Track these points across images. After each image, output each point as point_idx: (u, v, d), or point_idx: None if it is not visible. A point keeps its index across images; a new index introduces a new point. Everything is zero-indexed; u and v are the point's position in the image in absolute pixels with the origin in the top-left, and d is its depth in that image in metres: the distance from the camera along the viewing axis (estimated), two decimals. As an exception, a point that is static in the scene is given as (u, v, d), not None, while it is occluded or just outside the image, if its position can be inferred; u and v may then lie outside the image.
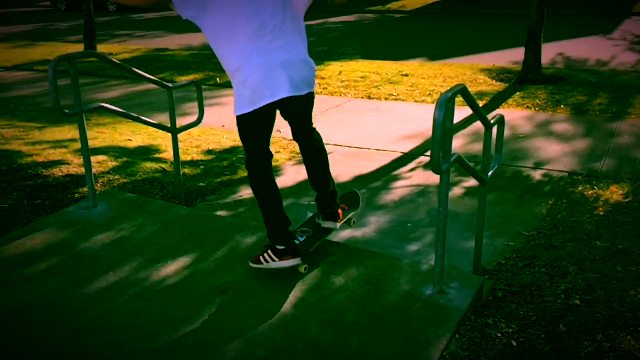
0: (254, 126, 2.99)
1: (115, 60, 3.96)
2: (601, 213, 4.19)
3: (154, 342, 2.62)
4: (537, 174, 5.10)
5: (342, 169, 5.30)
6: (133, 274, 3.18)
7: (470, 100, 2.79)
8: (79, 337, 2.66)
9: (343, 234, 4.00)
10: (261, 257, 3.08)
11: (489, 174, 3.25)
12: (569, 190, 4.68)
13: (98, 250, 3.46)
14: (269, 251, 3.06)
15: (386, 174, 5.23)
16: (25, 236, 3.66)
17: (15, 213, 4.27)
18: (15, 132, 6.57)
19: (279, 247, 3.04)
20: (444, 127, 2.42)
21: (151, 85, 8.15)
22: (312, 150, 3.29)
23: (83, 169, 5.00)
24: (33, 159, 5.46)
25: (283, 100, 2.91)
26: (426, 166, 5.37)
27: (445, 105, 2.41)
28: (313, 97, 3.12)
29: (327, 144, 6.09)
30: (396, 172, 5.27)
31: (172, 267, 3.24)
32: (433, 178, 5.00)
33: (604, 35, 13.60)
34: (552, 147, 5.79)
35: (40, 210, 4.30)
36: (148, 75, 3.97)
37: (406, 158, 5.65)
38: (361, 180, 5.07)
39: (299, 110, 3.12)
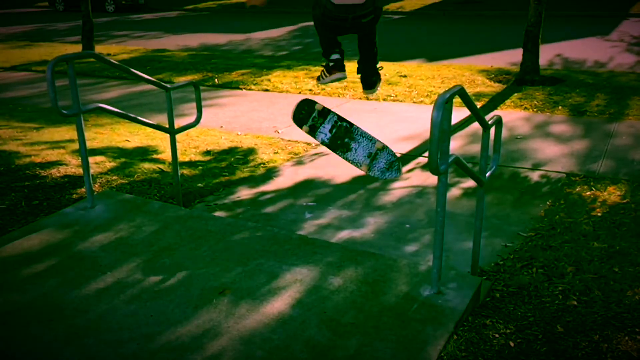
0: None
1: (114, 61, 3.96)
2: (599, 214, 4.20)
3: (152, 342, 2.62)
4: (535, 175, 5.11)
5: (340, 170, 5.30)
6: (131, 275, 3.18)
7: (468, 102, 2.79)
8: (77, 338, 2.66)
9: (341, 235, 4.01)
10: (320, 77, 4.00)
11: (487, 175, 3.25)
12: (566, 191, 4.69)
13: (96, 251, 3.46)
14: (324, 70, 3.92)
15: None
16: (23, 237, 3.66)
17: (13, 214, 4.27)
18: (13, 133, 6.57)
19: (330, 64, 3.82)
20: (441, 128, 2.43)
21: (149, 86, 8.14)
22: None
23: (81, 170, 5.00)
24: (31, 160, 5.46)
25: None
26: (424, 167, 5.38)
27: (443, 106, 2.41)
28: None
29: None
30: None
31: (170, 268, 3.24)
32: (431, 179, 5.01)
33: (601, 36, 13.63)
34: (550, 148, 5.80)
35: (38, 211, 4.30)
36: (146, 76, 3.97)
37: (404, 159, 5.65)
38: (359, 181, 5.08)
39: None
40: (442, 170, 2.56)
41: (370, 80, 4.13)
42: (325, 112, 3.92)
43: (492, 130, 3.24)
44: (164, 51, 13.70)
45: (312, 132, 3.91)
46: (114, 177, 5.04)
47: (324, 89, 8.76)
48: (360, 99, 8.22)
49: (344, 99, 8.23)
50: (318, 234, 4.02)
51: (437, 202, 2.76)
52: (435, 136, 2.42)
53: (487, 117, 3.18)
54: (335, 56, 3.86)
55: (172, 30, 18.71)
